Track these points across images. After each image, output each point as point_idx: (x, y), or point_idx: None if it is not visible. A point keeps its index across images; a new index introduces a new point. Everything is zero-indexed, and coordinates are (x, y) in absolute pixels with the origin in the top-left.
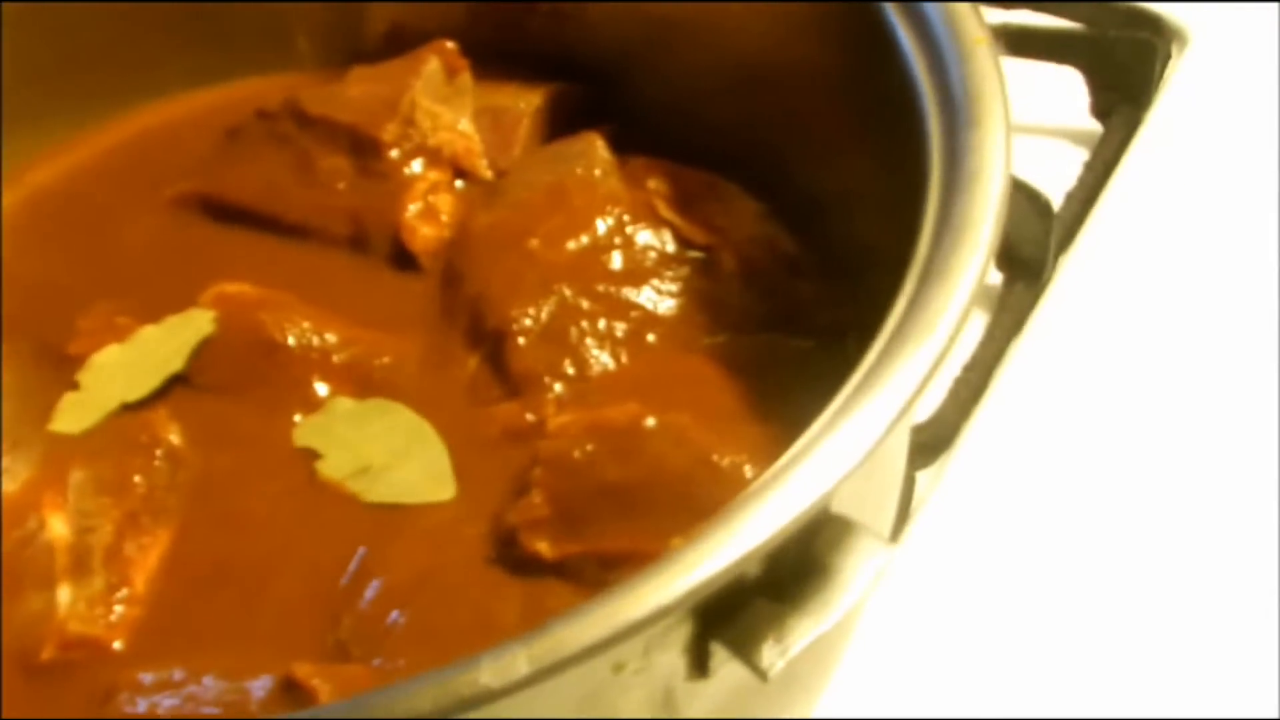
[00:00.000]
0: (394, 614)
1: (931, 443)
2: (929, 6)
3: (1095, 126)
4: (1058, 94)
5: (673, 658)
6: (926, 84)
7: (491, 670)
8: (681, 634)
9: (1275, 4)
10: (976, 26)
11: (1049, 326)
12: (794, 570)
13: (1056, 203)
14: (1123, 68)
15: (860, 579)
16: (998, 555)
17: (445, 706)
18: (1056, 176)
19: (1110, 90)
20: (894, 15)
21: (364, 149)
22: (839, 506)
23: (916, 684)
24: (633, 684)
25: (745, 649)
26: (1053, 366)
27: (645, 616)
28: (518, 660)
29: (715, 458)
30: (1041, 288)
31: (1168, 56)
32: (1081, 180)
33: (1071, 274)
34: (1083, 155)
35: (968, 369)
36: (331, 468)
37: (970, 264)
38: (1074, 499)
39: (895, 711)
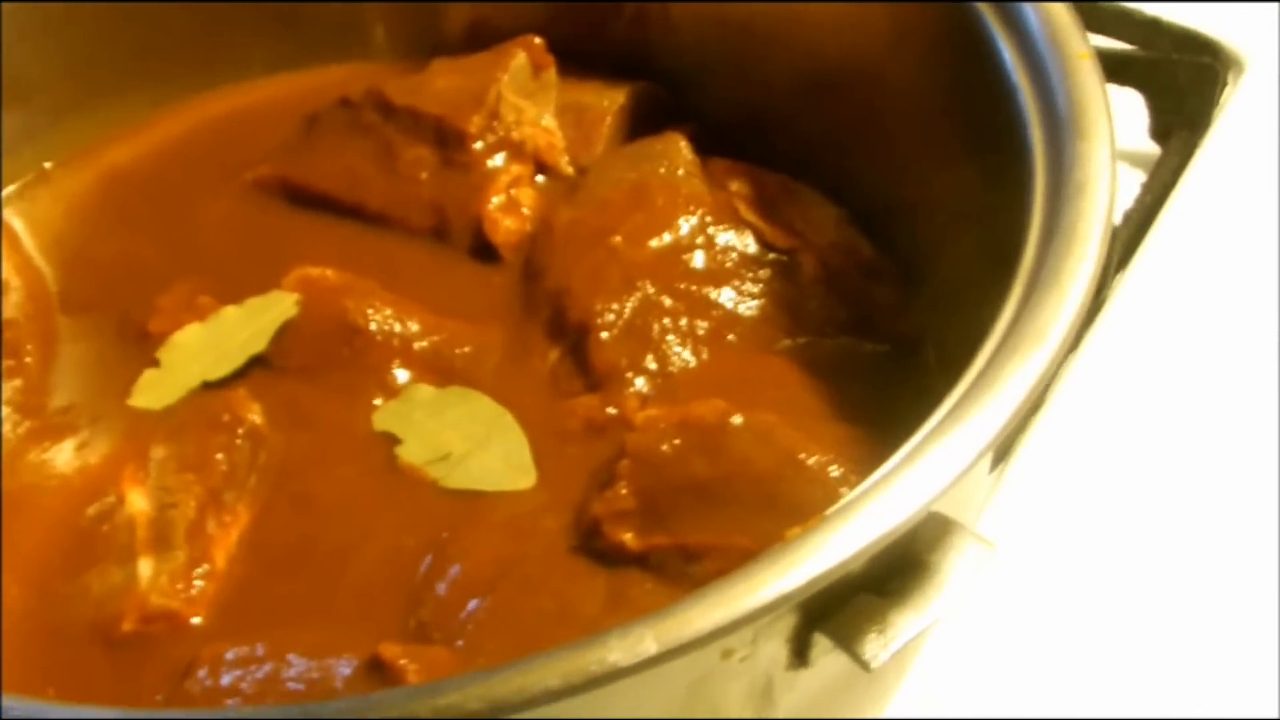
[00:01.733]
0: (474, 601)
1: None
2: (1031, 18)
3: (1153, 148)
4: (1118, 115)
5: (777, 646)
6: (1028, 95)
7: (620, 648)
8: (788, 624)
9: None
10: (1080, 41)
11: (1105, 344)
12: (896, 567)
13: (1116, 222)
14: (1182, 91)
15: (960, 576)
16: (1036, 559)
17: (575, 683)
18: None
19: (1169, 114)
20: (993, 25)
21: (448, 140)
22: (939, 505)
23: (977, 685)
24: (739, 670)
25: (849, 640)
26: (1108, 385)
27: (764, 605)
28: (645, 639)
29: (802, 456)
30: (1100, 305)
31: (1225, 82)
32: (1139, 201)
33: (1129, 293)
34: (1141, 176)
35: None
36: (411, 453)
37: (1080, 273)
38: (1114, 508)
39: (959, 712)
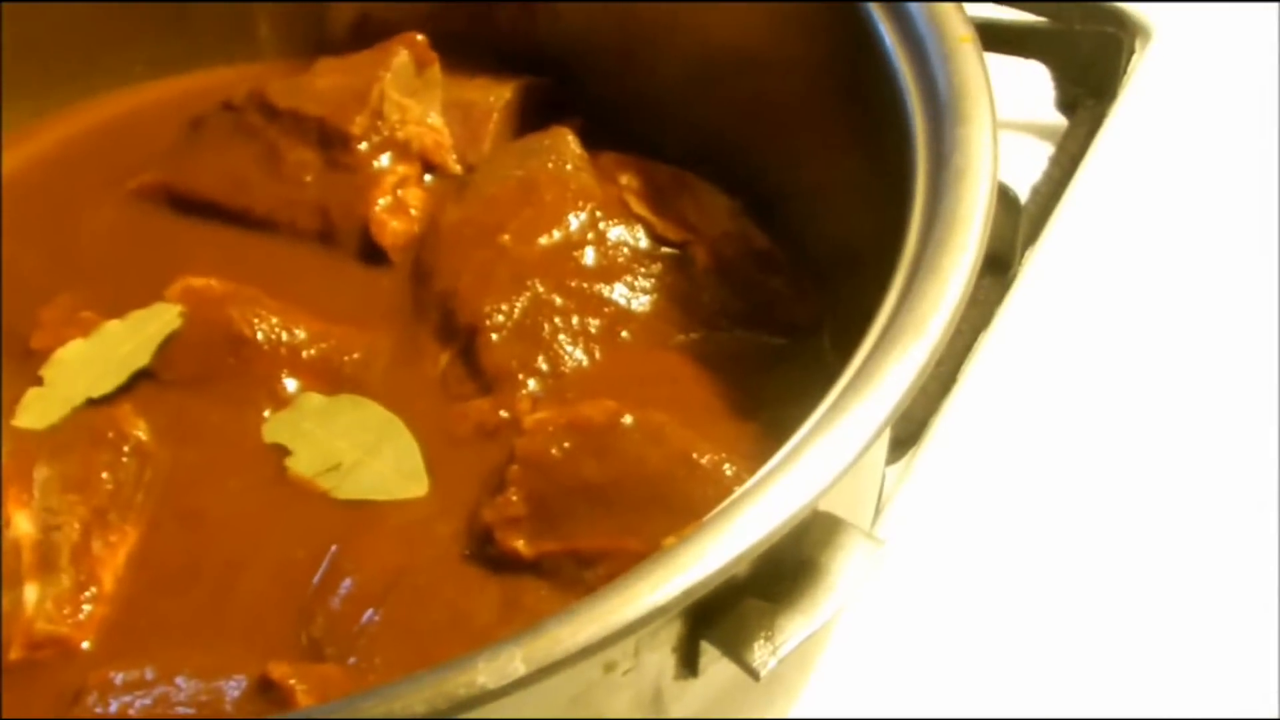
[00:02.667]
0: (368, 613)
1: (902, 437)
2: (912, 4)
3: (1060, 120)
4: (1023, 88)
5: (663, 657)
6: (910, 80)
7: (488, 671)
8: (672, 633)
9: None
10: (961, 24)
11: (1017, 320)
12: (784, 569)
13: (1023, 196)
14: (1087, 62)
15: (851, 576)
16: (968, 550)
17: (441, 708)
18: (1022, 170)
19: (1075, 84)
20: (875, 12)
21: (332, 142)
22: (826, 505)
23: (893, 682)
24: (623, 684)
25: (736, 648)
26: (1020, 360)
27: (640, 617)
28: (514, 660)
29: (695, 455)
30: (1010, 281)
31: (1131, 51)
32: (1047, 174)
33: (1039, 267)
34: (1048, 149)
35: (937, 363)
36: (301, 464)
37: (961, 262)
38: (1043, 492)
39: (871, 711)
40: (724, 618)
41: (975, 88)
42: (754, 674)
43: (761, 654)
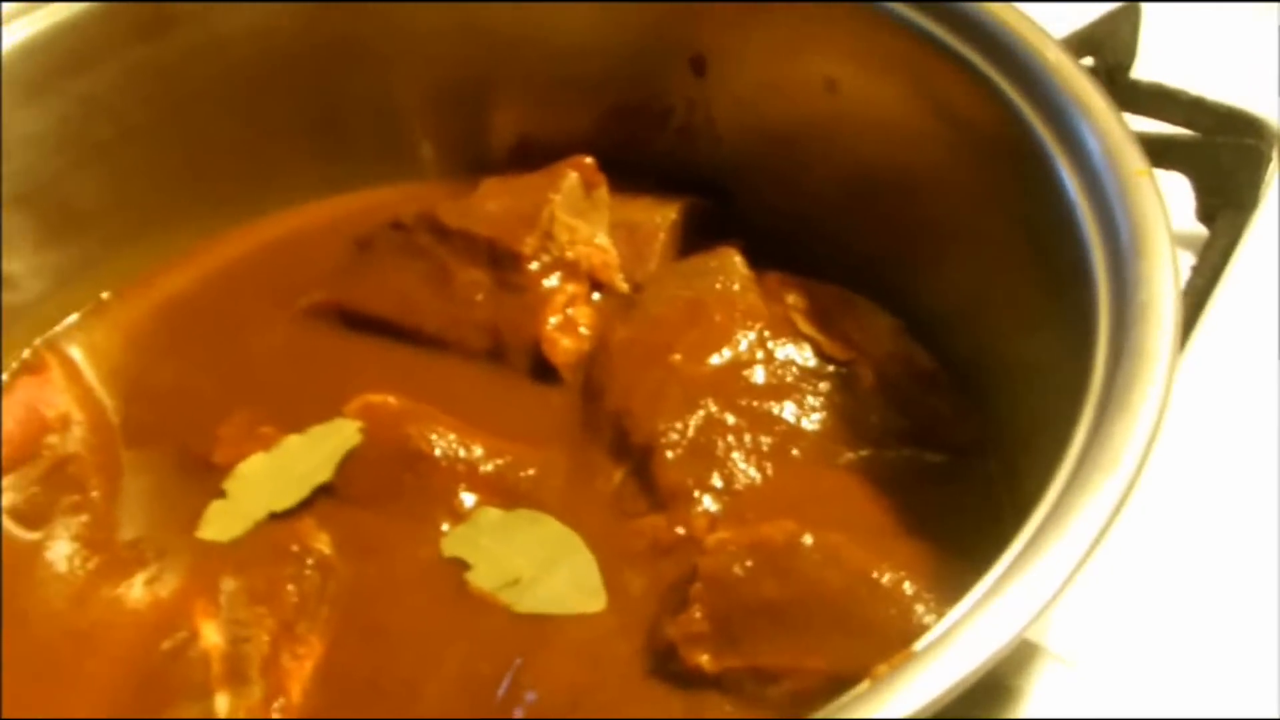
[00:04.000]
0: None
1: None
2: (1088, 135)
3: (1201, 230)
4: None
5: None
6: (1086, 212)
7: None
8: None
9: None
10: (1138, 158)
11: (1171, 430)
12: (980, 693)
13: None
14: (1227, 172)
15: (1042, 698)
16: None
17: None
18: None
19: (1215, 195)
20: (1047, 139)
21: (503, 262)
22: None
23: None
24: None
25: None
26: (1178, 467)
27: None
28: None
29: (874, 575)
30: None
31: (1270, 160)
32: (1190, 284)
33: (1188, 376)
34: (1190, 259)
35: None
36: (481, 578)
37: (1151, 396)
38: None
39: None
40: None
41: (1154, 222)
42: None
43: None
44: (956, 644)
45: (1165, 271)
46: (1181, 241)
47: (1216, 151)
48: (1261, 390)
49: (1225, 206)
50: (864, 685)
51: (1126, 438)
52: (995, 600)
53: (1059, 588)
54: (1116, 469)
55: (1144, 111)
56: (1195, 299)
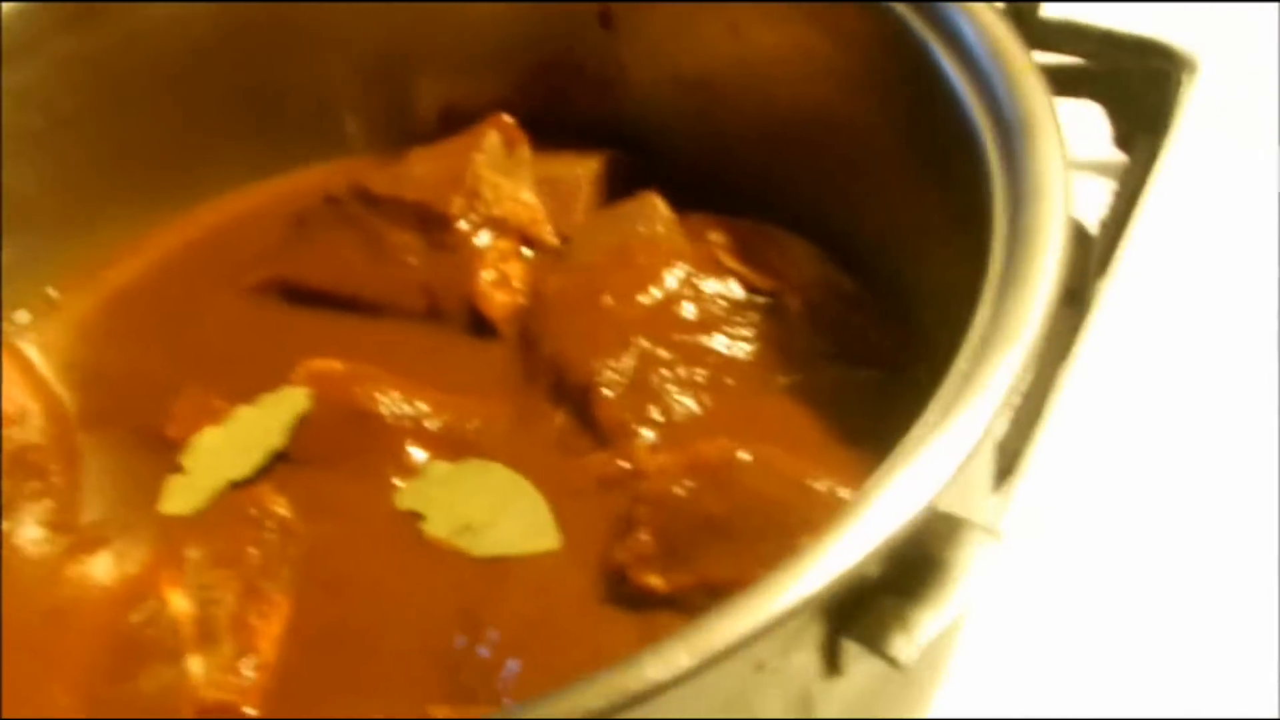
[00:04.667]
0: (512, 661)
1: (999, 469)
2: (971, 38)
3: (1119, 156)
4: (1081, 128)
5: (808, 656)
6: (978, 110)
7: (655, 664)
8: (815, 633)
9: (1277, 23)
10: (1020, 54)
11: (1096, 350)
12: (912, 567)
13: (1091, 231)
14: (1139, 98)
15: (974, 570)
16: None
17: (615, 702)
18: (1088, 206)
19: (1129, 120)
20: (936, 49)
21: (432, 223)
22: (944, 503)
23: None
24: (773, 683)
25: (877, 641)
26: (1103, 391)
27: (790, 608)
28: (679, 653)
29: (809, 482)
30: (1084, 313)
31: (1179, 83)
32: (1112, 208)
33: (1111, 297)
34: (1110, 185)
35: (1025, 396)
36: (436, 527)
37: (1046, 268)
38: (1111, 512)
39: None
40: (862, 615)
41: (1041, 110)
42: (895, 664)
43: (901, 645)
44: (872, 513)
45: (1054, 152)
46: (1103, 169)
47: (1126, 78)
48: (1186, 308)
49: (1140, 131)
50: (791, 556)
51: (1025, 308)
52: (908, 468)
53: (967, 453)
54: (1017, 339)
55: (1055, 48)
56: (1118, 221)
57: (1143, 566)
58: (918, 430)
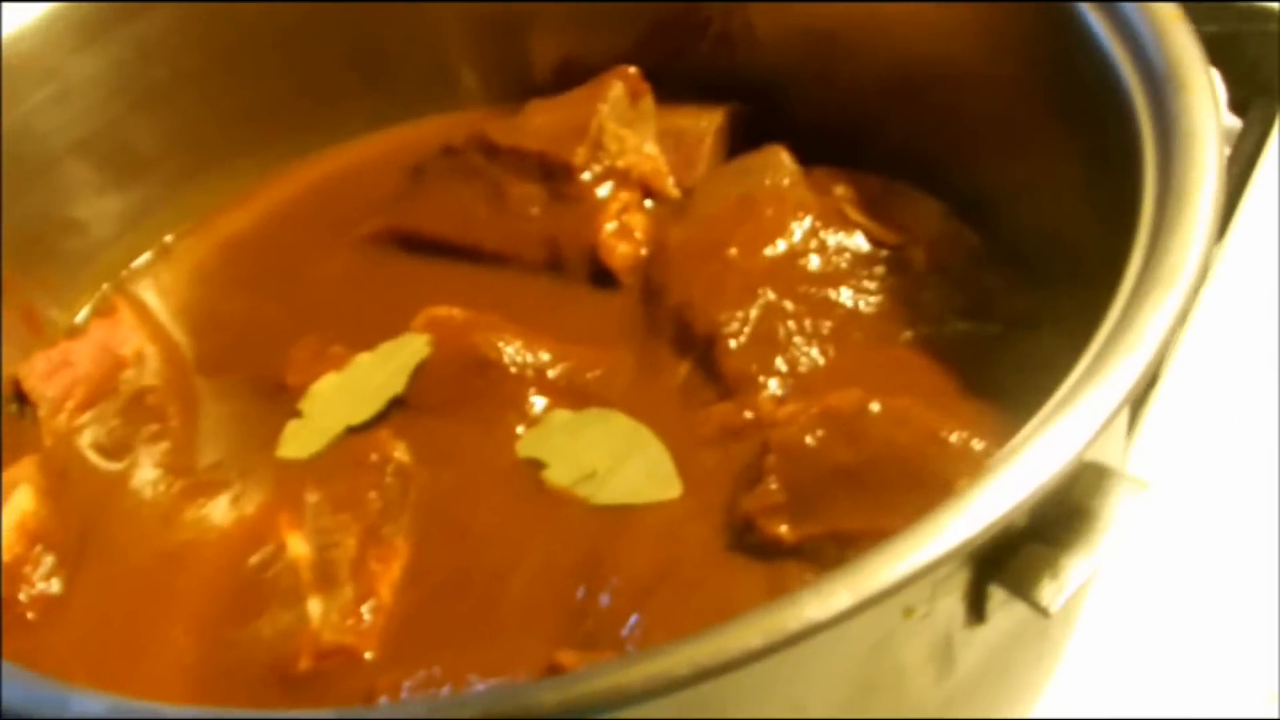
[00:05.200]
0: (635, 609)
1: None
2: None
3: (1235, 122)
4: None
5: (954, 603)
6: (1123, 59)
7: (815, 603)
8: (962, 579)
9: None
10: (1168, 4)
11: (1209, 320)
12: (1059, 515)
13: None
14: (1253, 61)
15: (1120, 518)
16: None
17: (775, 639)
18: None
19: (1244, 85)
20: (1083, 3)
21: (555, 174)
22: (1092, 452)
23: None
24: (919, 630)
25: (1025, 588)
26: (1214, 359)
27: (946, 552)
28: (839, 593)
29: (943, 434)
30: (1202, 277)
31: None
32: (1229, 174)
33: (1227, 265)
34: (1226, 151)
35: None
36: (557, 475)
37: (1202, 212)
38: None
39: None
40: (1010, 562)
41: (1191, 57)
42: (1044, 611)
43: (1049, 592)
44: (1025, 459)
45: (1206, 99)
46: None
47: (1242, 42)
48: None
49: (1256, 95)
50: (944, 502)
51: (1182, 253)
52: (1059, 419)
53: (1120, 401)
54: (1175, 282)
55: None
56: (1234, 187)
57: (1145, 566)
58: (1070, 380)
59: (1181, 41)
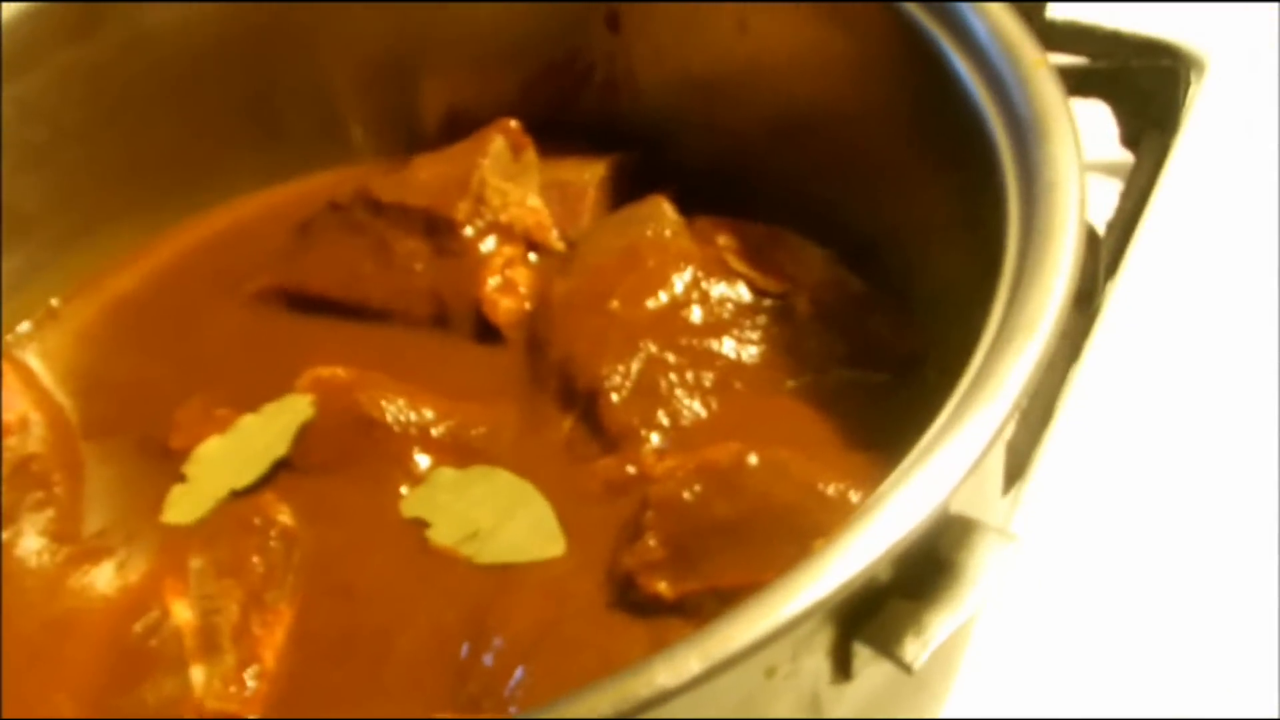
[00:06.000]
0: (519, 668)
1: (1010, 471)
2: (982, 32)
3: (1127, 156)
4: (1089, 128)
5: (818, 661)
6: (990, 107)
7: (666, 670)
8: (825, 637)
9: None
10: (1033, 49)
11: (1106, 351)
12: (924, 570)
13: (1098, 230)
14: (1147, 97)
15: (987, 572)
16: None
17: (624, 708)
18: (1096, 206)
19: (1137, 119)
20: (947, 44)
21: (439, 229)
22: (957, 509)
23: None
24: (784, 689)
25: (888, 645)
26: (1113, 393)
27: (801, 612)
28: (690, 660)
29: (820, 486)
30: (1094, 314)
31: (1188, 82)
32: (1120, 208)
33: (1121, 298)
34: (1118, 185)
35: (1033, 397)
36: (442, 535)
37: (1061, 265)
38: (1120, 513)
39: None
40: (873, 618)
41: (1055, 107)
42: (907, 668)
43: (913, 649)
44: (884, 515)
45: (1068, 150)
46: (1110, 169)
47: (1134, 77)
48: (1194, 309)
49: (1148, 129)
50: (803, 560)
51: (1039, 305)
52: (921, 470)
53: (980, 452)
54: (1032, 335)
55: (1062, 48)
56: (1126, 221)
57: (1146, 569)
58: (930, 432)
59: (1046, 91)
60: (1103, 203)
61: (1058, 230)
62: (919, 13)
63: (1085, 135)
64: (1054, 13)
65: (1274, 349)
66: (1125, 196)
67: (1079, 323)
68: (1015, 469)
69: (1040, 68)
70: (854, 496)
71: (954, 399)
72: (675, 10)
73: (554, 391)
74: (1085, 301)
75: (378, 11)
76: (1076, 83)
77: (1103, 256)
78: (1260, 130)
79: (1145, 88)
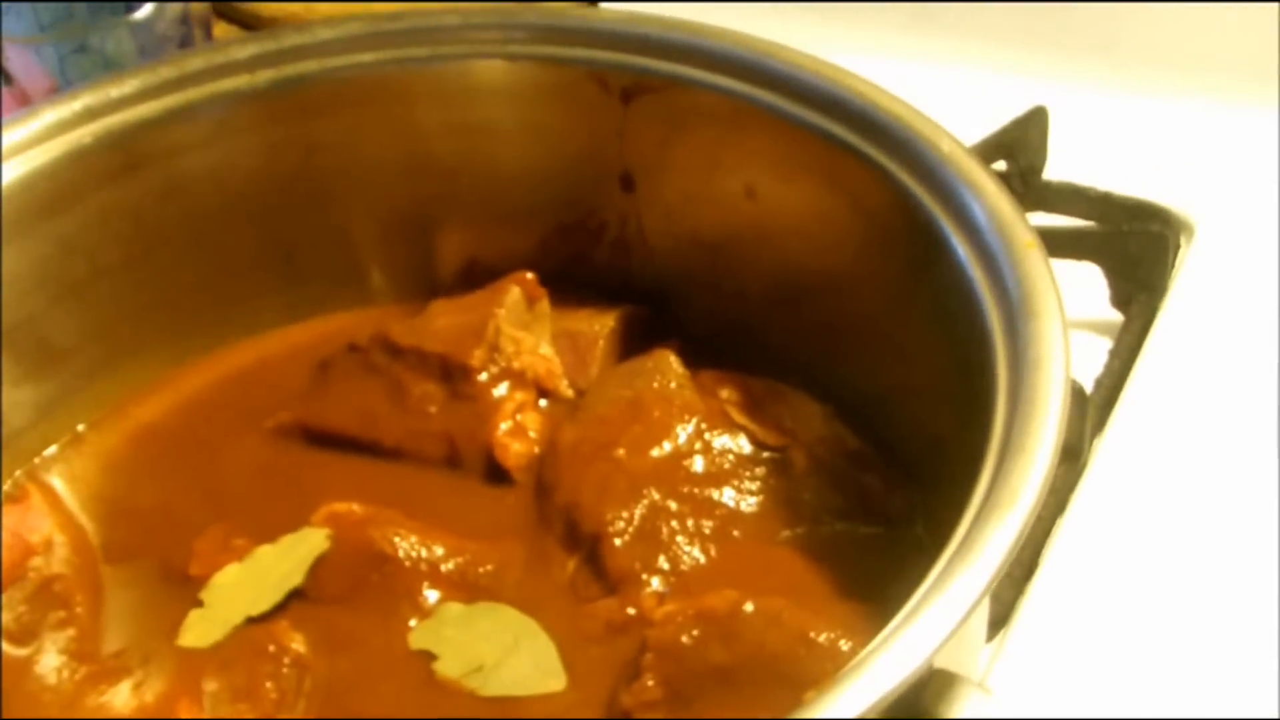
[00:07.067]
0: None
1: (993, 619)
2: (980, 215)
3: (1117, 316)
4: (1080, 288)
5: None
6: (983, 284)
7: None
8: None
9: (1275, 191)
10: (1025, 231)
11: (1090, 506)
12: None
13: (1088, 389)
14: (1136, 260)
15: None
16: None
17: None
18: (1085, 364)
19: (1127, 281)
20: (945, 224)
21: (453, 374)
22: (941, 663)
23: None
24: None
25: None
26: (1095, 545)
27: None
28: None
29: (813, 634)
30: (1081, 469)
31: (1177, 246)
32: (1108, 367)
33: (1107, 455)
34: (1107, 343)
35: (1021, 549)
36: (447, 667)
37: (1044, 438)
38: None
39: None
40: None
41: (1043, 286)
42: None
43: None
44: (873, 670)
45: (1054, 328)
46: (1100, 329)
47: (1125, 240)
48: (1181, 466)
49: (1137, 291)
50: (794, 711)
51: (1023, 476)
52: (909, 628)
53: (965, 613)
54: (1016, 504)
55: (1058, 210)
56: (1114, 380)
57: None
58: (919, 592)
59: (1036, 271)
60: (1092, 360)
61: (1042, 403)
62: (920, 192)
63: (1077, 295)
64: (1051, 174)
65: (1260, 507)
66: (1114, 355)
67: (1065, 476)
68: (999, 617)
69: (1032, 249)
70: (844, 645)
71: (942, 560)
72: (687, 175)
73: (560, 533)
74: (1072, 457)
75: (402, 169)
76: (1070, 245)
77: (1090, 414)
78: (1245, 294)
79: (1135, 253)
